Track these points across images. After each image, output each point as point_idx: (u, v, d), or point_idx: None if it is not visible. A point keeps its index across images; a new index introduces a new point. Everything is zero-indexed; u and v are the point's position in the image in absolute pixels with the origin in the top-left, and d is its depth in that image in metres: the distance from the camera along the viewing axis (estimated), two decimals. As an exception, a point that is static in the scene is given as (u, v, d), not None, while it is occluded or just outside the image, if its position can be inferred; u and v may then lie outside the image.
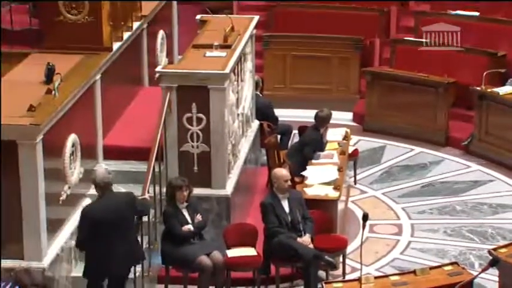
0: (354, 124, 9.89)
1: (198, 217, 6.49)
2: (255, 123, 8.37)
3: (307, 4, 10.87)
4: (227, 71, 6.85)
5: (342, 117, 9.82)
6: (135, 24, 8.08)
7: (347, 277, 6.77)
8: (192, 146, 6.89)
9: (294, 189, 7.03)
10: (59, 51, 7.04)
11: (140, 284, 6.32)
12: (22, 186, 5.93)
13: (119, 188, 6.61)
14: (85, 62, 7.04)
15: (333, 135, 8.26)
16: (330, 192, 7.11)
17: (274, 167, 7.45)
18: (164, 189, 6.66)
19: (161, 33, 8.99)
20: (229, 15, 8.24)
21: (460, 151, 9.28)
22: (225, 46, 7.29)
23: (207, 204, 6.85)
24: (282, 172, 6.77)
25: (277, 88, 10.38)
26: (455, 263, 5.99)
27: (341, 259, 6.88)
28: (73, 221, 6.42)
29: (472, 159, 9.10)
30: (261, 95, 8.94)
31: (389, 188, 8.57)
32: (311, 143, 7.94)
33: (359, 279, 5.59)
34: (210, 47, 7.27)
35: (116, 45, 7.46)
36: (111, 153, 7.14)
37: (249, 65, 8.04)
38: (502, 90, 9.04)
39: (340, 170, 7.52)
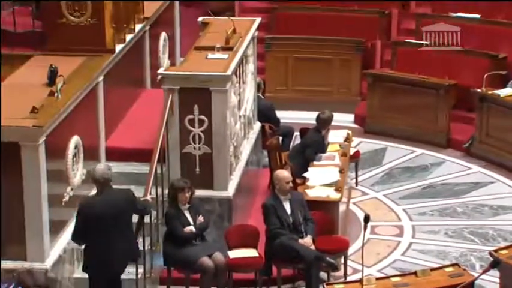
0: (355, 126, 9.91)
1: (200, 218, 6.51)
2: (257, 125, 8.39)
3: (308, 6, 10.90)
4: (229, 73, 6.87)
5: (343, 119, 9.84)
6: (138, 27, 8.10)
7: (348, 278, 6.78)
8: (194, 148, 6.91)
9: (296, 190, 7.05)
10: (61, 53, 7.06)
11: (142, 285, 6.34)
12: (25, 188, 5.95)
13: (121, 189, 6.62)
14: (87, 64, 7.06)
15: (335, 137, 8.28)
16: (332, 194, 7.13)
17: (275, 168, 7.47)
18: (166, 191, 6.68)
19: (163, 36, 9.01)
20: (231, 18, 8.26)
21: (461, 153, 9.30)
22: (227, 48, 7.31)
23: (209, 206, 6.87)
24: (284, 174, 6.79)
25: (279, 90, 10.41)
26: (456, 264, 6.00)
27: (342, 260, 6.90)
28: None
29: (473, 161, 9.12)
30: (262, 97, 8.96)
31: (391, 189, 8.59)
32: (312, 144, 7.96)
33: (360, 281, 5.60)
34: (212, 49, 7.29)
35: (118, 47, 7.49)
36: (114, 154, 7.16)
37: (250, 67, 8.07)
38: (503, 92, 9.06)
39: (341, 171, 7.54)
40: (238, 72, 7.41)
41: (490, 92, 9.08)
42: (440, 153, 9.33)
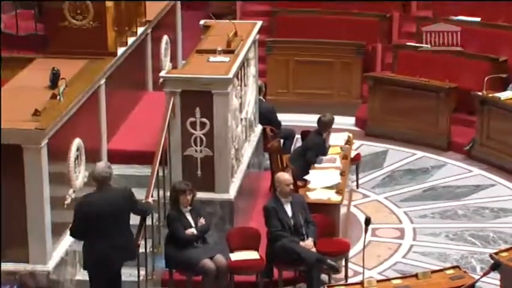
0: (356, 129, 9.93)
1: (202, 221, 6.53)
2: (258, 128, 8.41)
3: (309, 10, 10.93)
4: (230, 76, 6.90)
5: (344, 122, 9.87)
6: (140, 30, 8.14)
7: (349, 281, 6.79)
8: (196, 151, 6.93)
9: (297, 193, 7.06)
10: (63, 56, 7.09)
11: (144, 287, 6.36)
12: (27, 190, 5.97)
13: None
14: (90, 67, 7.09)
15: (336, 139, 8.30)
16: (333, 196, 7.15)
17: (277, 171, 7.49)
18: (168, 193, 6.70)
19: (165, 39, 9.04)
20: (233, 21, 8.29)
21: (462, 156, 9.31)
22: (229, 51, 7.34)
23: (211, 208, 6.88)
24: (285, 176, 6.81)
25: (280, 93, 10.43)
26: (457, 266, 6.01)
27: (343, 263, 6.91)
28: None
29: (474, 164, 9.14)
30: (264, 100, 8.98)
31: (392, 192, 8.61)
32: (314, 147, 7.98)
33: (361, 283, 5.62)
34: (213, 52, 7.31)
35: (120, 50, 7.52)
36: (116, 157, 7.18)
37: (252, 70, 8.09)
38: (504, 95, 9.08)
39: (342, 174, 7.56)
40: (239, 75, 7.43)
41: (490, 95, 9.11)
42: (441, 156, 9.35)
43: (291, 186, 6.76)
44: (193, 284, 6.52)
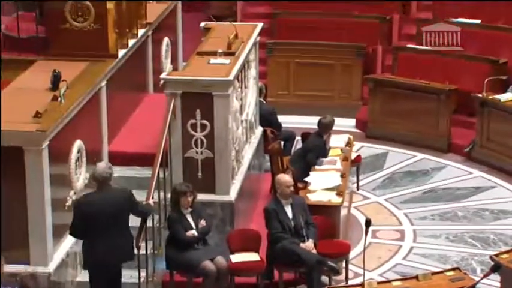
0: (357, 131, 9.95)
1: (202, 222, 6.54)
2: (259, 130, 8.43)
3: (309, 12, 10.95)
4: (231, 77, 6.91)
5: (345, 123, 9.89)
6: (140, 32, 8.15)
7: (350, 282, 6.80)
8: (196, 152, 6.94)
9: (297, 195, 7.08)
10: (65, 58, 7.10)
11: (145, 288, 6.38)
12: (28, 192, 5.99)
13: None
14: (91, 69, 7.10)
15: (336, 141, 8.31)
16: (333, 198, 7.16)
17: (277, 173, 7.50)
18: (169, 195, 6.72)
19: (166, 41, 9.06)
20: (233, 23, 8.31)
21: (462, 157, 9.33)
22: (229, 53, 7.35)
23: (211, 210, 6.90)
24: (285, 178, 6.82)
25: (281, 95, 10.45)
26: (457, 268, 6.01)
27: (344, 264, 6.92)
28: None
29: (474, 166, 9.15)
30: (264, 102, 9.00)
31: (392, 194, 8.62)
32: (314, 149, 7.99)
33: (362, 285, 5.63)
34: (214, 54, 7.32)
35: (121, 52, 7.53)
36: (116, 159, 7.19)
37: (252, 72, 8.10)
38: (503, 97, 9.10)
39: (342, 176, 7.57)
40: (240, 77, 7.44)
41: (490, 97, 9.12)
42: (441, 158, 9.36)
43: (292, 188, 6.77)
44: (194, 286, 6.53)
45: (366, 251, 5.92)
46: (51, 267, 6.12)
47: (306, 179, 7.54)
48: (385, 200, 8.50)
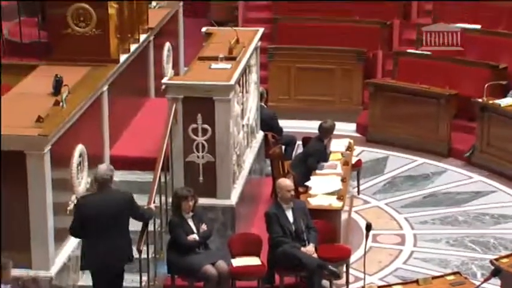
0: (357, 135, 9.97)
1: (203, 227, 6.56)
2: (260, 134, 8.45)
3: (310, 17, 10.99)
4: (232, 82, 6.94)
5: (345, 128, 9.91)
6: (142, 37, 8.18)
7: (350, 286, 6.83)
8: (198, 157, 6.97)
9: (298, 199, 7.10)
10: (66, 63, 7.13)
11: (146, 292, 6.39)
12: (30, 196, 6.00)
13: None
14: (92, 74, 7.13)
15: (337, 146, 8.33)
16: (334, 202, 7.18)
17: (278, 177, 7.52)
18: (170, 199, 6.74)
19: (167, 46, 9.09)
20: (234, 28, 8.34)
21: (462, 162, 9.35)
22: (230, 58, 7.37)
23: (212, 214, 6.91)
24: (286, 182, 6.84)
25: (282, 99, 10.48)
26: (458, 272, 6.03)
27: (344, 268, 6.93)
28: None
29: (474, 170, 9.17)
30: (265, 106, 9.02)
31: (392, 198, 8.64)
32: (315, 153, 8.01)
33: (362, 288, 5.65)
34: (215, 59, 7.35)
35: (123, 57, 7.56)
36: (118, 163, 7.19)
37: (253, 76, 8.13)
38: (503, 102, 9.12)
39: (343, 180, 7.59)
40: (241, 82, 7.47)
41: (490, 102, 9.14)
42: (441, 163, 9.38)
43: (292, 192, 6.79)
44: (195, 290, 6.55)
45: (367, 255, 5.94)
46: (53, 271, 6.13)
47: (307, 183, 7.56)
48: (386, 204, 8.52)
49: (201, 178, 6.96)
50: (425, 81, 9.73)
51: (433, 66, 9.94)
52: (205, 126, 6.91)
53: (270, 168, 8.18)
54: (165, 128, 6.79)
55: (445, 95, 9.51)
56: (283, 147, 8.59)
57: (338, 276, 6.85)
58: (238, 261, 6.67)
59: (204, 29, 8.37)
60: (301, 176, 7.69)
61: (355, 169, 8.52)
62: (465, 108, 9.58)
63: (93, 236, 5.88)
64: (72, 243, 6.41)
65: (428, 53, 10.16)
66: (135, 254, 6.09)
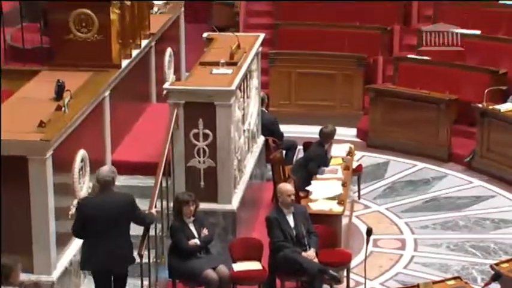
0: (358, 140, 10.00)
1: (205, 231, 6.57)
2: (261, 139, 8.47)
3: (311, 23, 11.03)
4: (233, 87, 6.96)
5: (346, 133, 9.93)
6: (144, 42, 8.21)
7: (351, 291, 6.85)
8: (199, 162, 6.99)
9: (299, 204, 7.12)
10: (69, 69, 7.15)
11: (148, 297, 6.40)
12: (32, 201, 6.02)
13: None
14: (94, 79, 7.16)
15: (337, 150, 8.35)
16: (334, 207, 7.20)
17: (279, 182, 7.54)
18: (171, 204, 6.76)
19: (169, 51, 9.13)
20: (236, 33, 8.37)
21: (463, 167, 9.37)
22: (231, 63, 7.40)
23: (213, 219, 6.93)
24: (287, 187, 6.86)
25: (283, 104, 10.51)
26: (458, 277, 6.05)
27: (345, 273, 6.94)
28: (82, 234, 6.50)
29: (474, 175, 9.19)
30: (266, 111, 9.05)
31: (393, 203, 8.66)
32: (316, 158, 8.04)
33: (363, 293, 5.67)
34: (216, 64, 7.38)
35: (124, 63, 7.59)
36: (120, 168, 7.16)
37: (254, 81, 8.15)
38: (503, 107, 9.15)
39: (344, 185, 7.61)
40: (242, 87, 7.49)
41: (490, 107, 9.17)
42: (441, 167, 9.40)
43: (293, 197, 6.80)
44: (196, 294, 6.56)
45: (367, 259, 5.95)
46: (55, 275, 6.14)
47: (308, 188, 7.58)
48: (386, 209, 8.54)
49: (202, 183, 6.98)
50: (425, 86, 9.76)
51: (433, 71, 9.97)
52: (207, 131, 6.93)
53: (270, 173, 8.21)
54: (166, 133, 6.81)
55: (445, 100, 9.54)
56: (284, 152, 8.61)
57: (339, 281, 6.86)
58: (239, 266, 6.68)
59: (205, 35, 8.40)
60: (301, 181, 7.71)
61: (356, 174, 8.54)
62: (465, 114, 9.60)
63: (93, 237, 5.90)
64: (74, 248, 6.43)
65: (428, 58, 10.19)
66: (136, 258, 6.10)
